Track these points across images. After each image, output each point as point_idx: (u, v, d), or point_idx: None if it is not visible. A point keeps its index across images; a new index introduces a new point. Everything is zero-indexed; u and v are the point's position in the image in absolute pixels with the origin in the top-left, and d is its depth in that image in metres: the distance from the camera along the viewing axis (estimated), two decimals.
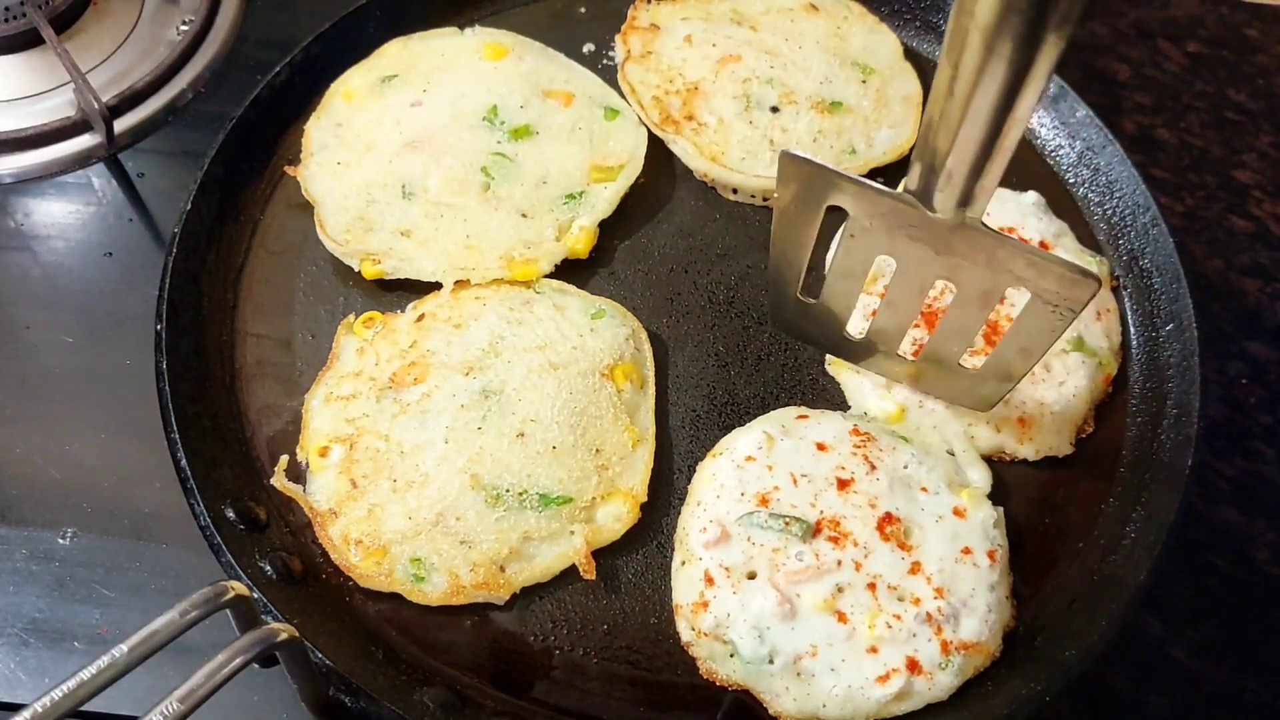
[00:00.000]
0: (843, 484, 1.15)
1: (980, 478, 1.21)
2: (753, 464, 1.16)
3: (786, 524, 1.11)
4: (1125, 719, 1.23)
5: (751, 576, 1.10)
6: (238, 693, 1.08)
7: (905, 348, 1.20)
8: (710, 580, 1.10)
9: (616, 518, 1.17)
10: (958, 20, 0.79)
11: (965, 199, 0.94)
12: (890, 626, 1.07)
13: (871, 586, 1.09)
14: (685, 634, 1.11)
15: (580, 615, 1.15)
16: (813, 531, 1.11)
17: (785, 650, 1.06)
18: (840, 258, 1.10)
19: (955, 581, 1.10)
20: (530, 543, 1.14)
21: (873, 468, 1.16)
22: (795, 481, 1.15)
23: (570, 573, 1.15)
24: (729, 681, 1.09)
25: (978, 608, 1.09)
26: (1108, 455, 1.28)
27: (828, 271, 1.15)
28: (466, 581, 1.11)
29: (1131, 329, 1.37)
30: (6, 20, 1.58)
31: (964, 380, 1.18)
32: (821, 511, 1.13)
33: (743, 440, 1.19)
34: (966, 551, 1.12)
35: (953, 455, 1.22)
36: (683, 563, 1.14)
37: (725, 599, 1.09)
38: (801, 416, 1.22)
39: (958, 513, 1.15)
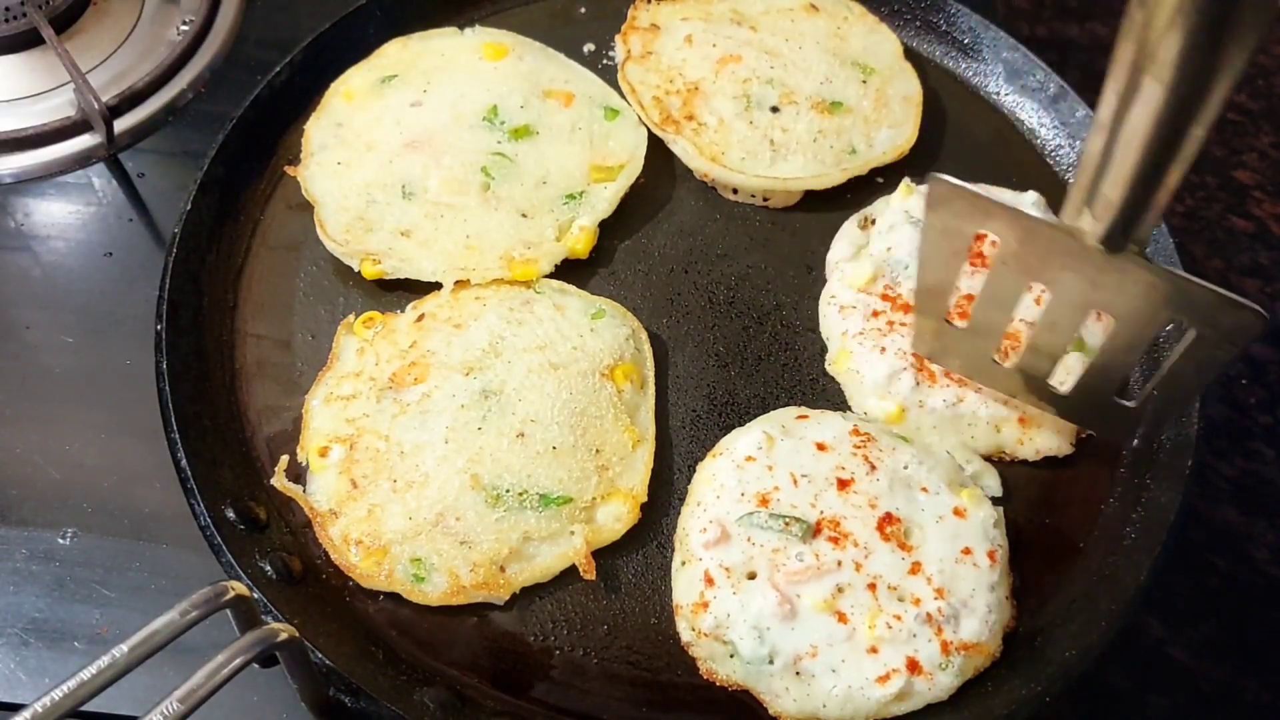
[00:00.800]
0: (843, 484, 1.15)
1: (992, 483, 1.22)
2: (753, 464, 1.16)
3: (786, 524, 1.11)
4: (1125, 719, 1.23)
5: (751, 577, 1.10)
6: (238, 693, 1.08)
7: (1058, 377, 1.15)
8: (710, 580, 1.10)
9: (616, 518, 1.17)
10: (1125, 44, 0.74)
11: (1127, 230, 0.89)
12: (890, 627, 1.07)
13: (872, 587, 1.09)
14: (685, 634, 1.11)
15: (580, 615, 1.15)
16: (813, 532, 1.11)
17: (785, 651, 1.06)
18: (990, 285, 1.05)
19: (955, 582, 1.10)
20: (530, 543, 1.14)
21: (873, 468, 1.16)
22: (795, 482, 1.15)
23: (570, 573, 1.15)
24: (729, 682, 1.09)
25: (978, 608, 1.09)
26: (1108, 455, 1.27)
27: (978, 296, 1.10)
28: (466, 581, 1.11)
29: None
30: (6, 20, 1.58)
31: (1116, 415, 1.14)
32: (821, 512, 1.13)
33: (742, 440, 1.19)
34: (967, 552, 1.12)
35: (952, 456, 1.22)
36: (683, 563, 1.14)
37: (725, 599, 1.09)
38: (801, 417, 1.22)
39: (958, 513, 1.14)
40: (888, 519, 1.13)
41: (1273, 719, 1.24)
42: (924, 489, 1.16)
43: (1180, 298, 0.95)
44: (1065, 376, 1.24)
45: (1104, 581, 1.18)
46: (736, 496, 1.14)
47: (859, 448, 1.18)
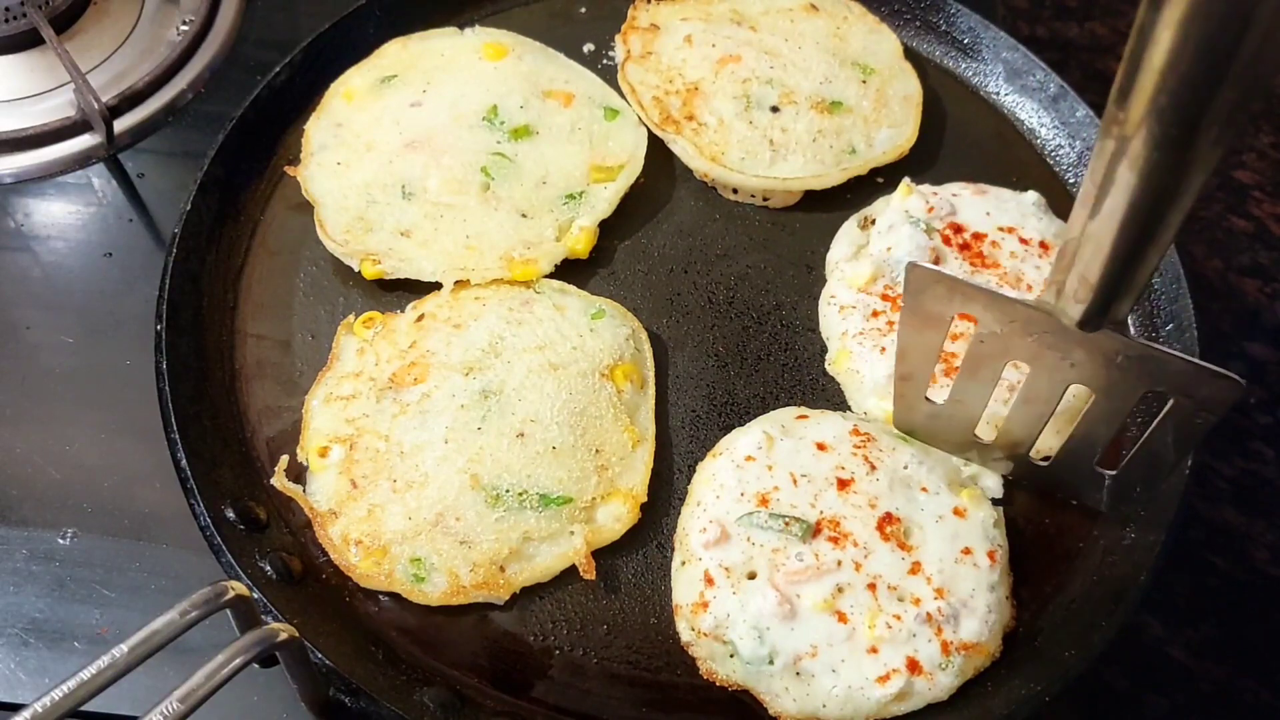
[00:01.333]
0: (843, 484, 1.15)
1: (992, 484, 1.22)
2: (753, 464, 1.16)
3: (786, 524, 1.11)
4: (1125, 719, 1.23)
5: (751, 577, 1.10)
6: (238, 693, 1.08)
7: (1040, 447, 1.16)
8: (710, 580, 1.10)
9: (616, 518, 1.17)
10: (1105, 138, 0.76)
11: (1104, 311, 0.91)
12: (890, 627, 1.07)
13: (871, 587, 1.09)
14: (685, 634, 1.11)
15: (580, 615, 1.15)
16: (813, 531, 1.11)
17: (785, 651, 1.06)
18: (968, 362, 1.08)
19: (955, 582, 1.10)
20: (530, 543, 1.14)
21: (873, 468, 1.16)
22: (795, 481, 1.15)
23: (570, 573, 1.15)
24: (729, 681, 1.09)
25: (978, 608, 1.09)
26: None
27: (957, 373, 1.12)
28: (466, 581, 1.11)
29: (1131, 330, 1.37)
30: (6, 20, 1.58)
31: (1097, 484, 1.15)
32: (821, 511, 1.13)
33: (742, 440, 1.19)
34: (967, 552, 1.12)
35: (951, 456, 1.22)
36: (682, 563, 1.14)
37: (725, 599, 1.09)
38: (801, 416, 1.22)
39: (958, 513, 1.14)
40: (888, 519, 1.13)
41: (1273, 719, 1.24)
42: (924, 489, 1.16)
43: (1158, 370, 0.97)
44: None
45: (1104, 581, 1.18)
46: (736, 496, 1.14)
47: (859, 448, 1.18)
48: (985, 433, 1.18)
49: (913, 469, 1.17)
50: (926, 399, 1.15)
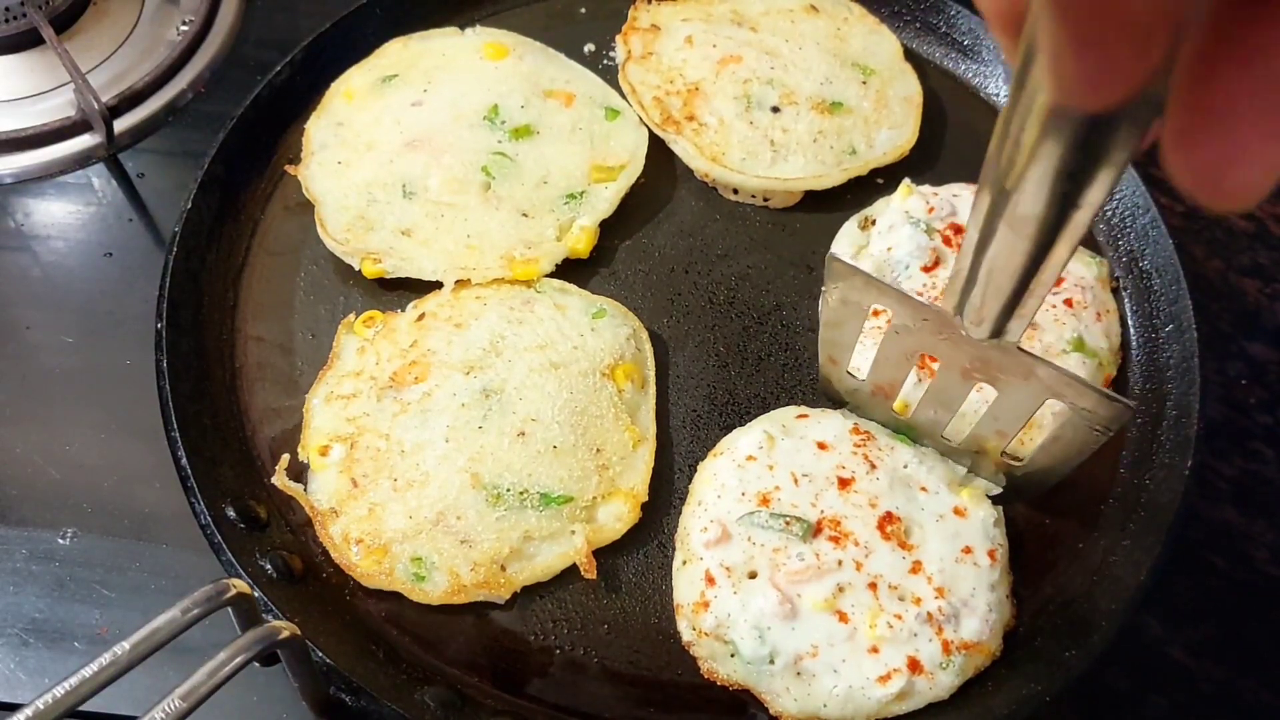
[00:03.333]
0: (843, 483, 1.15)
1: (991, 483, 1.22)
2: (753, 463, 1.16)
3: (787, 523, 1.11)
4: (1125, 719, 1.23)
5: (752, 576, 1.10)
6: (238, 692, 1.08)
7: (952, 430, 1.18)
8: (711, 580, 1.10)
9: (617, 517, 1.17)
10: (984, 187, 0.75)
11: (998, 331, 0.93)
12: (891, 626, 1.07)
13: (873, 586, 1.09)
14: (686, 634, 1.11)
15: (580, 615, 1.15)
16: (813, 531, 1.11)
17: (786, 650, 1.06)
18: (884, 349, 1.12)
19: (956, 581, 1.10)
20: (531, 542, 1.14)
21: (873, 467, 1.16)
22: (796, 481, 1.15)
23: (571, 572, 1.15)
24: (730, 681, 1.09)
25: (978, 607, 1.09)
26: (1108, 455, 1.28)
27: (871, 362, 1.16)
28: (467, 580, 1.11)
29: (1131, 330, 1.37)
30: (6, 20, 1.57)
31: (998, 472, 1.19)
32: (822, 511, 1.13)
33: (743, 440, 1.19)
34: (967, 551, 1.12)
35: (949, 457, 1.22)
36: (684, 562, 1.14)
37: (726, 599, 1.09)
38: (802, 416, 1.22)
39: (958, 512, 1.15)
40: (888, 518, 1.13)
41: (1273, 719, 1.23)
42: (923, 488, 1.16)
43: (1056, 384, 1.00)
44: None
45: (1104, 581, 1.18)
46: (737, 496, 1.14)
47: (859, 446, 1.18)
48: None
49: (912, 468, 1.17)
50: (848, 374, 1.20)
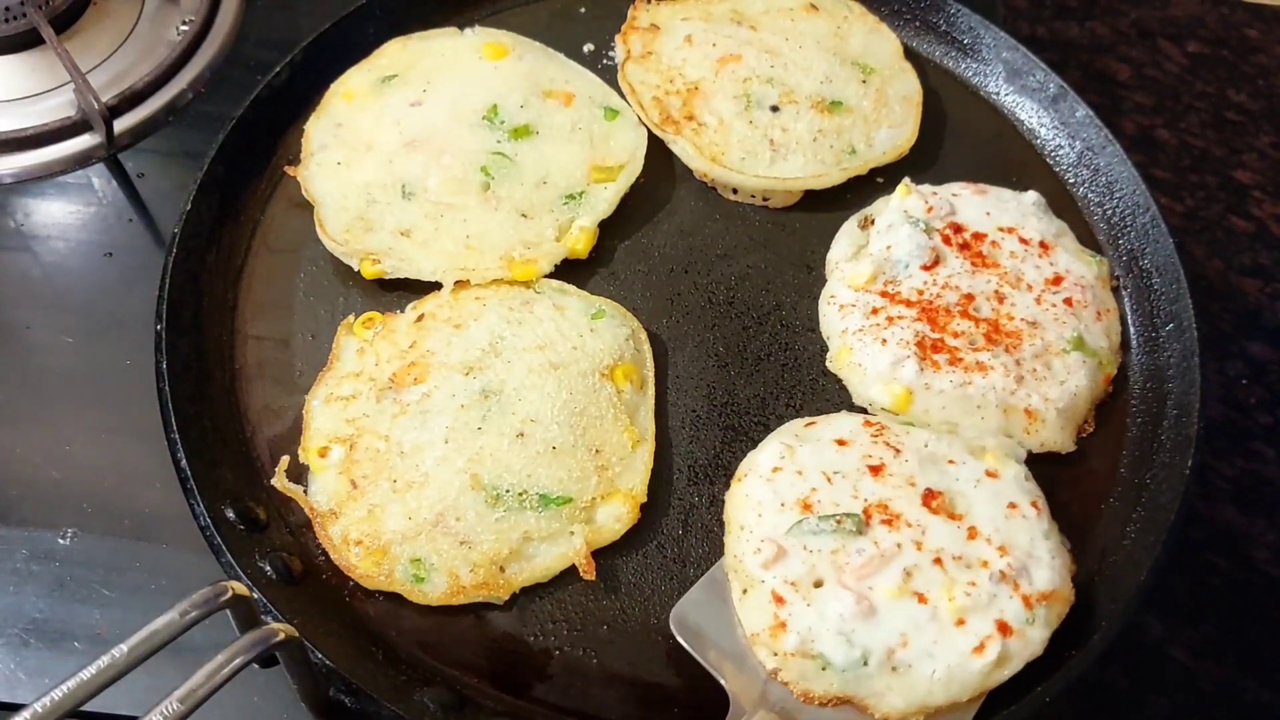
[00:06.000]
0: (875, 470, 1.14)
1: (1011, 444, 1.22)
2: (781, 474, 1.14)
3: (839, 522, 1.09)
4: (1125, 719, 1.23)
5: (819, 584, 1.07)
6: (238, 693, 1.08)
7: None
8: (780, 599, 1.07)
9: (616, 518, 1.17)
10: None
11: None
12: (969, 595, 1.05)
13: (938, 561, 1.08)
14: (769, 661, 1.06)
15: (580, 615, 1.15)
16: (864, 522, 1.10)
17: (877, 647, 1.04)
18: None
19: (1013, 537, 1.10)
20: (530, 543, 1.14)
21: (897, 451, 1.16)
22: (829, 479, 1.13)
23: (570, 573, 1.15)
24: (828, 696, 1.04)
25: (1042, 556, 1.09)
26: (1108, 455, 1.28)
27: None
28: (466, 581, 1.11)
29: (1131, 329, 1.37)
30: (6, 20, 1.58)
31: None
32: (866, 500, 1.12)
33: (762, 456, 1.17)
34: (1013, 507, 1.12)
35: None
36: (744, 591, 1.10)
37: (801, 614, 1.05)
38: (810, 424, 1.21)
39: (990, 474, 1.15)
40: (930, 494, 1.12)
41: (1273, 719, 1.24)
42: (950, 461, 1.16)
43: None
44: (1065, 375, 1.24)
45: (1104, 581, 1.18)
46: (778, 509, 1.12)
47: (876, 435, 1.18)
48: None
49: (933, 445, 1.17)
50: None
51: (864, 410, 1.27)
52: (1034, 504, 1.13)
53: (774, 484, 1.14)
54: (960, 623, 1.05)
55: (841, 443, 1.17)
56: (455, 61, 1.48)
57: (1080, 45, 1.86)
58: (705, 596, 1.13)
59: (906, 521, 1.10)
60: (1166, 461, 1.24)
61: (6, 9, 1.58)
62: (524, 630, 1.13)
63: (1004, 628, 1.05)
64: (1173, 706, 1.23)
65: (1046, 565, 1.09)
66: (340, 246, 1.32)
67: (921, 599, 1.06)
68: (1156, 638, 1.27)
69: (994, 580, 1.07)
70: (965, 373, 1.23)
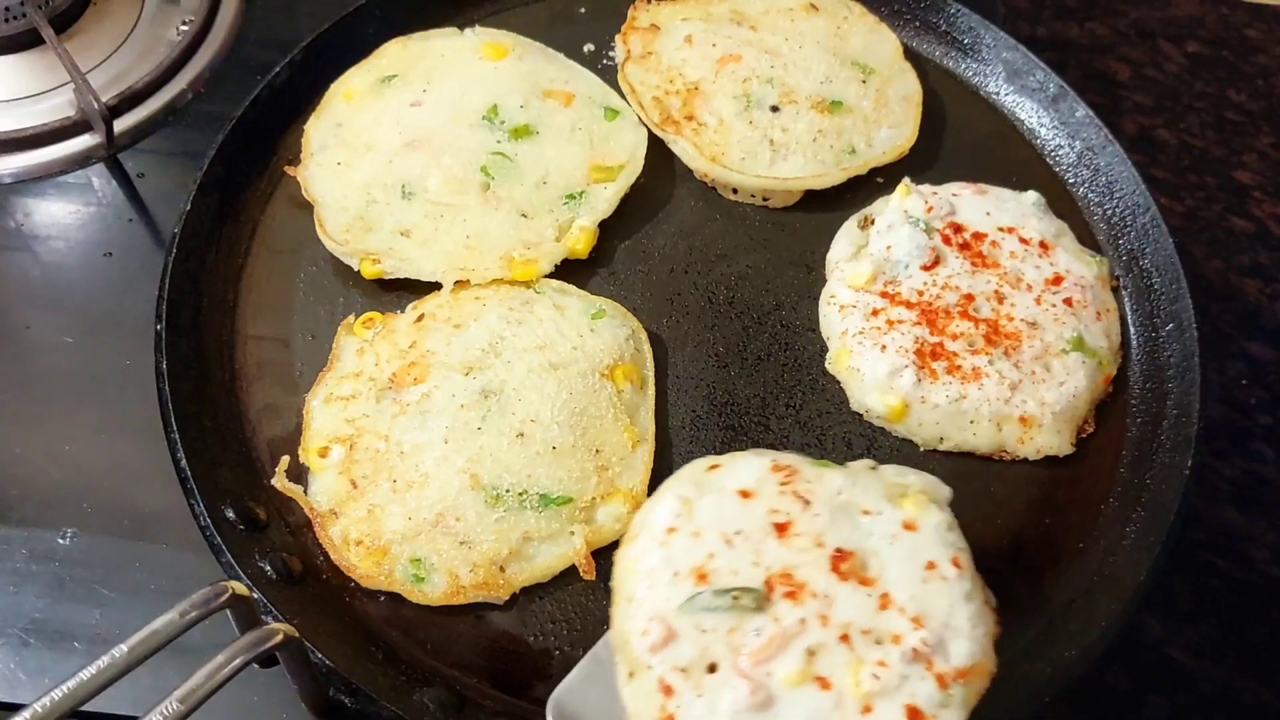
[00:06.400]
0: (781, 529, 1.00)
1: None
2: (675, 536, 1.01)
3: (735, 598, 0.96)
4: (1125, 719, 1.23)
5: (713, 669, 0.95)
6: (238, 693, 1.08)
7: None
8: (669, 689, 0.95)
9: (616, 518, 1.17)
10: None
11: None
12: (878, 677, 0.93)
13: (845, 638, 0.95)
14: None
15: (580, 615, 1.15)
16: (765, 596, 0.97)
17: None
18: None
19: (929, 603, 0.97)
20: (530, 543, 1.14)
21: (807, 503, 1.02)
22: (729, 542, 0.99)
23: (570, 573, 1.15)
24: None
25: (961, 626, 0.96)
26: (1108, 455, 1.28)
27: None
28: (466, 581, 1.12)
29: (1131, 329, 1.37)
30: (6, 20, 1.58)
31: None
32: (768, 568, 0.98)
33: (655, 512, 1.04)
34: (930, 567, 0.99)
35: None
36: (630, 674, 0.98)
37: (691, 706, 0.94)
38: (713, 467, 1.07)
39: (908, 526, 1.01)
40: (840, 556, 0.98)
41: (1273, 719, 1.24)
42: (865, 511, 1.02)
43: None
44: (1065, 376, 1.25)
45: (1104, 581, 1.18)
46: (670, 579, 0.99)
47: (785, 483, 1.04)
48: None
49: (847, 493, 1.03)
50: None
51: (858, 415, 1.28)
52: (955, 561, 0.99)
53: (668, 548, 1.00)
54: (867, 710, 0.92)
55: (746, 494, 1.02)
56: (455, 61, 1.48)
57: (1080, 45, 1.86)
58: (588, 678, 1.03)
59: (812, 592, 0.96)
60: (1166, 462, 1.24)
61: (6, 9, 1.58)
62: (524, 630, 1.14)
63: (915, 714, 0.93)
64: (1172, 706, 1.23)
65: (966, 636, 0.96)
66: (340, 246, 1.33)
67: (825, 684, 0.93)
68: (1156, 638, 1.27)
69: (906, 659, 0.94)
70: (962, 384, 1.23)
